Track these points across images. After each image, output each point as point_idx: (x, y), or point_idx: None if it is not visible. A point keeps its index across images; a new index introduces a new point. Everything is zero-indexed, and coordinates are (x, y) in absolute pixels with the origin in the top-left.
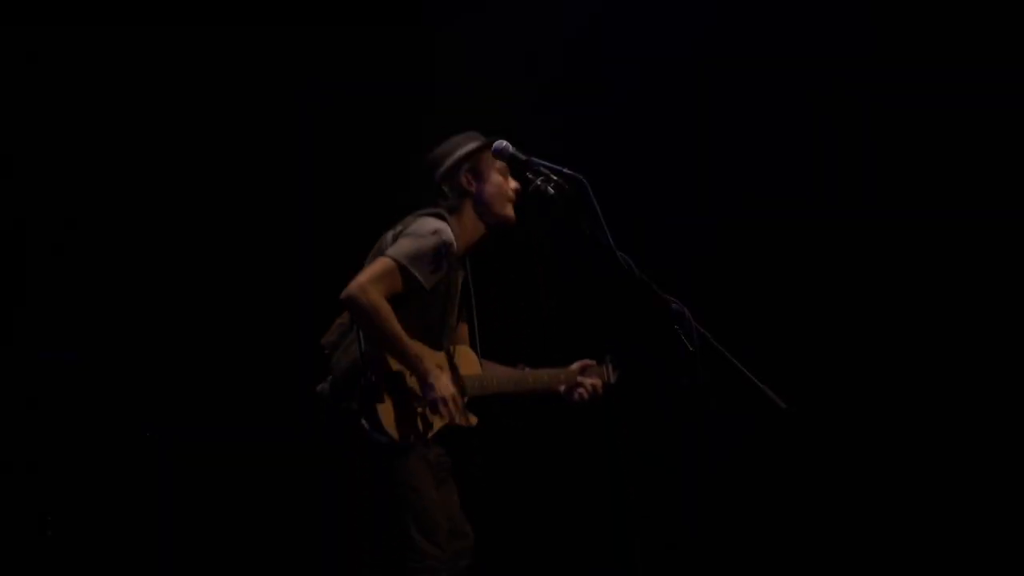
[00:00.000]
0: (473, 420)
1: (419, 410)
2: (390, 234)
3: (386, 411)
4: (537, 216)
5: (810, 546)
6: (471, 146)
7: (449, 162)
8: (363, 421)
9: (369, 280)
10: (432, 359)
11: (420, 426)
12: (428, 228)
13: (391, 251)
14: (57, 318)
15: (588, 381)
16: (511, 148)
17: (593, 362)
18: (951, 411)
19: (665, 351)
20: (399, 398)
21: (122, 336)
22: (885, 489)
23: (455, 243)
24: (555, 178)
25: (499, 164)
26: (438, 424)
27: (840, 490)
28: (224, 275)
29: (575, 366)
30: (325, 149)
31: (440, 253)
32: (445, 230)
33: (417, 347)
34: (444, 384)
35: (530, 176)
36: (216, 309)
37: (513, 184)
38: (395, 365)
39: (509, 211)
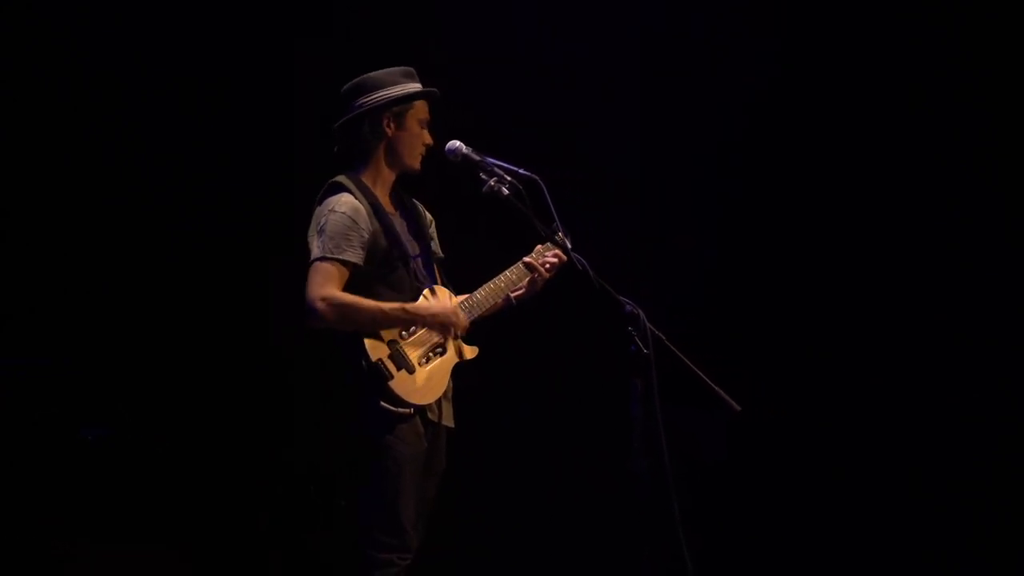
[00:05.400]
0: (475, 351)
1: (431, 351)
2: (308, 237)
3: (400, 383)
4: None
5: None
6: (408, 90)
7: (377, 97)
8: (383, 403)
9: (316, 288)
10: (415, 305)
11: (438, 374)
12: (324, 211)
13: (313, 254)
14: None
15: (549, 256)
16: (464, 148)
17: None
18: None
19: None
20: (402, 364)
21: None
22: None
23: (361, 201)
24: (509, 179)
25: (421, 114)
26: (459, 349)
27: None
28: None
29: (527, 258)
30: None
31: (347, 224)
32: (339, 201)
33: (396, 306)
34: (439, 304)
35: (483, 177)
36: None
37: (428, 139)
38: (388, 335)
39: (418, 164)
